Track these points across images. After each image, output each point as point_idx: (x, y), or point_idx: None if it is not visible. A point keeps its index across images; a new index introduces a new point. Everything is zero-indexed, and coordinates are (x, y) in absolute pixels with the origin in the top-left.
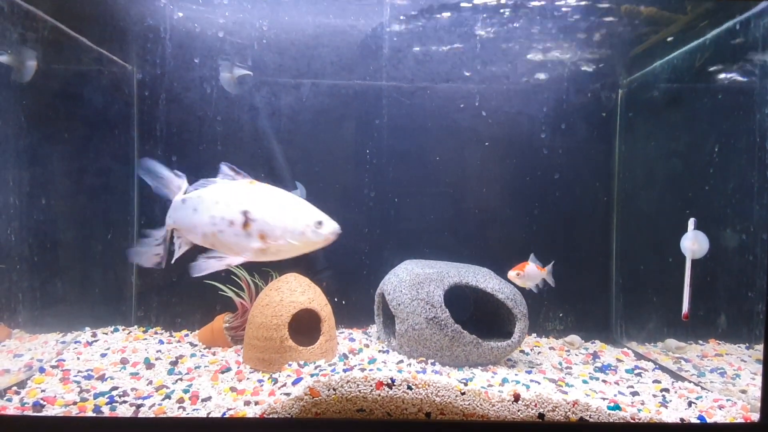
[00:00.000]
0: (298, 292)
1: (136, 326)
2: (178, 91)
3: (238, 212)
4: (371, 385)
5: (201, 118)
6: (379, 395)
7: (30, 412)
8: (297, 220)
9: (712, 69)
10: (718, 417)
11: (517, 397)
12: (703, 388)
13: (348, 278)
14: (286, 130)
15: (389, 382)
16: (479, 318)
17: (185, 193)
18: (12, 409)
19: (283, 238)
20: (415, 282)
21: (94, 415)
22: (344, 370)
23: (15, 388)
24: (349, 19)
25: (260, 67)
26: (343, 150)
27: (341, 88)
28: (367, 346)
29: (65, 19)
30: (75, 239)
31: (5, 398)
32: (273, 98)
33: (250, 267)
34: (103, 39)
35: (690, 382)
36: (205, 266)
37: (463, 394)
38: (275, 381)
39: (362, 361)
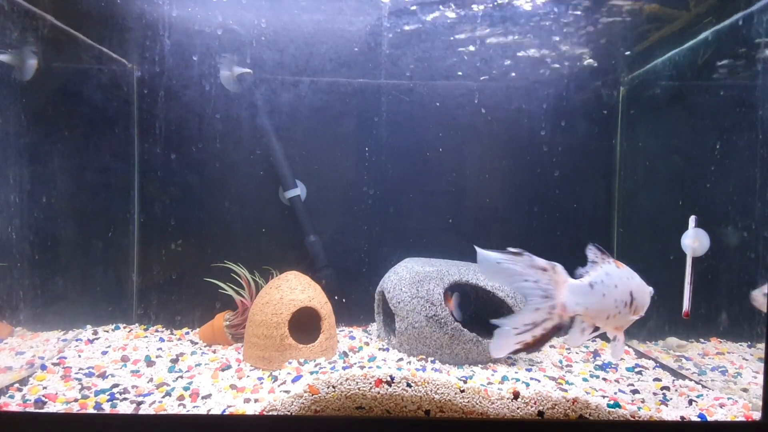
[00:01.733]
0: (298, 290)
1: (137, 324)
2: (178, 88)
3: (628, 294)
4: (370, 383)
5: (200, 115)
6: (378, 393)
7: (32, 409)
8: (648, 295)
9: (714, 65)
10: (719, 415)
11: (516, 395)
12: (704, 386)
13: (348, 276)
14: (285, 127)
15: (388, 379)
16: (479, 316)
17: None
18: (14, 405)
19: (642, 311)
20: (415, 280)
21: (95, 412)
22: (344, 368)
23: (17, 385)
24: (348, 15)
25: (259, 65)
26: (343, 147)
27: (340, 86)
28: (367, 344)
29: (65, 17)
30: (76, 237)
31: (7, 395)
32: (272, 96)
33: (250, 265)
34: (103, 37)
35: (691, 380)
36: (619, 349)
37: (462, 391)
38: (275, 379)
39: (362, 359)
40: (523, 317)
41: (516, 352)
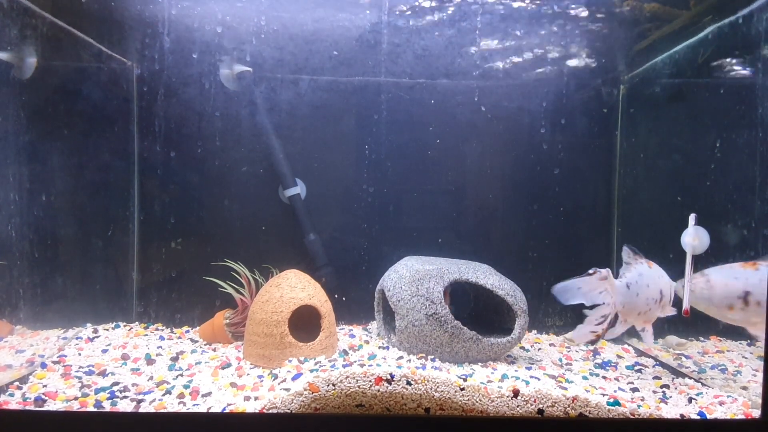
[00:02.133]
0: (298, 289)
1: (137, 322)
2: (177, 86)
3: (659, 292)
4: (370, 381)
5: (200, 114)
6: (378, 390)
7: (32, 407)
8: (672, 289)
9: (714, 63)
10: (719, 413)
11: (516, 393)
12: (703, 384)
13: (348, 275)
14: (285, 125)
15: (388, 377)
16: (479, 314)
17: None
18: (14, 404)
19: (668, 306)
20: (414, 278)
21: (95, 410)
22: (344, 366)
23: (17, 383)
24: (348, 13)
25: (259, 63)
26: (342, 145)
27: (340, 84)
28: (367, 342)
29: (64, 15)
30: (76, 235)
31: (7, 393)
32: (272, 94)
33: (250, 263)
34: (102, 35)
35: (690, 378)
36: (649, 338)
37: (462, 389)
38: (275, 377)
39: (362, 357)
40: (601, 311)
41: (593, 341)
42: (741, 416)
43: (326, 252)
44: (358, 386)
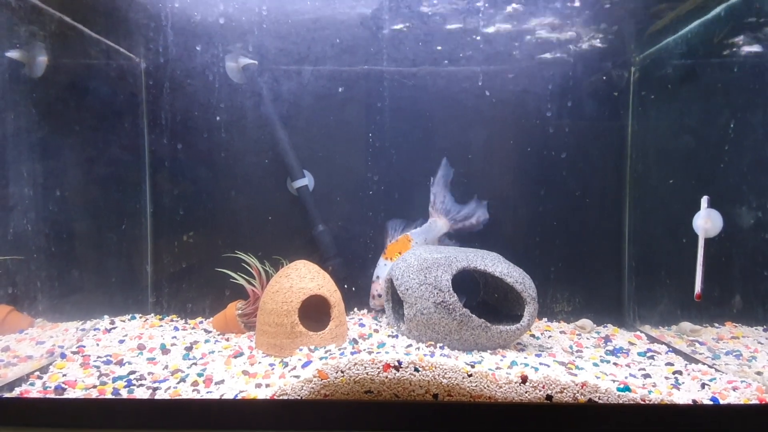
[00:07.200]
0: (307, 279)
1: (152, 314)
2: (185, 81)
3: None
4: (379, 368)
5: (208, 107)
6: (387, 377)
7: (52, 395)
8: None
9: (726, 42)
10: (732, 398)
11: (524, 379)
12: (717, 370)
13: (357, 264)
14: (291, 116)
15: (396, 364)
16: (488, 302)
17: None
18: (35, 392)
19: None
20: (422, 267)
21: (113, 397)
22: (352, 354)
23: (37, 373)
24: (349, 0)
25: (262, 53)
26: (346, 135)
27: (343, 72)
28: (376, 331)
29: (70, 11)
30: (90, 229)
31: (28, 383)
32: (276, 85)
33: (260, 254)
34: (109, 31)
35: (704, 364)
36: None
37: (470, 376)
38: (286, 365)
39: (372, 346)
40: None
41: None
42: (755, 401)
43: (335, 242)
44: (367, 373)
